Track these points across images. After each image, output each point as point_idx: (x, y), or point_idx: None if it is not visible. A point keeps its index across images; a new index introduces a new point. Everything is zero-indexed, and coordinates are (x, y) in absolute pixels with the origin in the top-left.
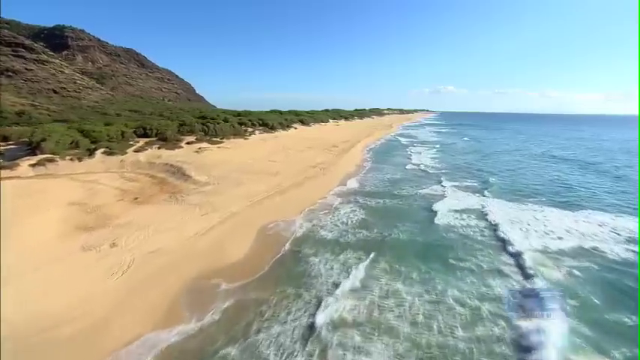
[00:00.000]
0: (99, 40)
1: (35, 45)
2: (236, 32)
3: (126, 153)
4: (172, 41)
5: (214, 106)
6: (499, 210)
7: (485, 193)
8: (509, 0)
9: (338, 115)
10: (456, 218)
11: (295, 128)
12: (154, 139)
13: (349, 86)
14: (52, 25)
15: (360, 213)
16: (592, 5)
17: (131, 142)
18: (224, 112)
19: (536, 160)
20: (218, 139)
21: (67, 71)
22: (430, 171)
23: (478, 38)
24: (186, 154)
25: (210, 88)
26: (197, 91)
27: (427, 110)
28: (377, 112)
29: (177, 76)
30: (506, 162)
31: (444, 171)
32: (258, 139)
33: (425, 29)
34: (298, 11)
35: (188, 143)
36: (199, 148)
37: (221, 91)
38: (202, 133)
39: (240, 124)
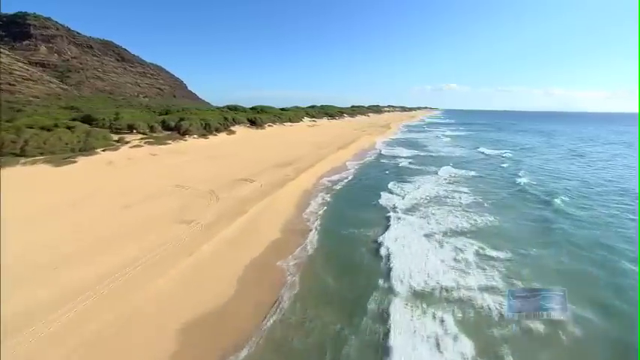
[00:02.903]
0: (68, 29)
1: None
2: (236, 30)
3: None
4: (173, 40)
5: (209, 104)
6: None
7: None
8: None
9: (323, 112)
10: None
11: (232, 132)
12: None
13: (350, 84)
14: (13, 12)
15: None
16: (595, 3)
17: None
18: (146, 110)
19: None
20: None
21: (4, 60)
22: None
23: (480, 36)
24: None
25: (210, 86)
26: (189, 88)
27: (430, 108)
28: (375, 109)
29: (166, 72)
30: None
31: None
32: (106, 162)
33: (426, 27)
34: (298, 10)
35: None
36: None
37: (221, 89)
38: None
39: (131, 127)
